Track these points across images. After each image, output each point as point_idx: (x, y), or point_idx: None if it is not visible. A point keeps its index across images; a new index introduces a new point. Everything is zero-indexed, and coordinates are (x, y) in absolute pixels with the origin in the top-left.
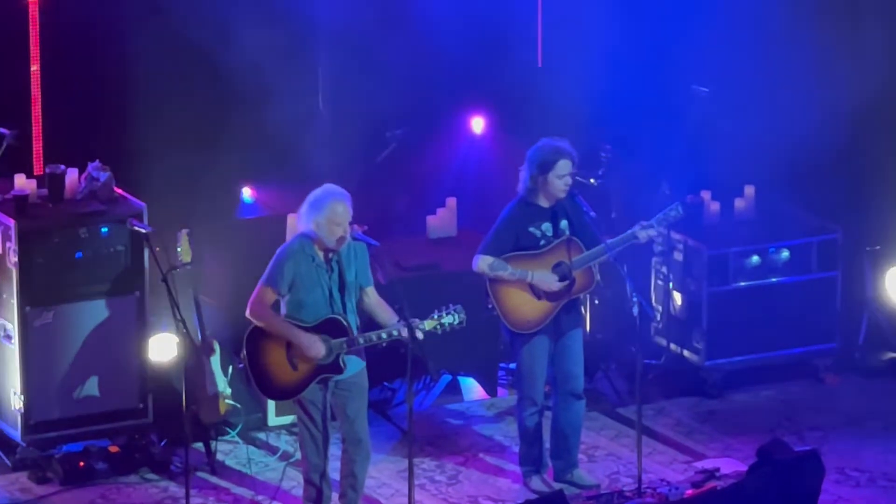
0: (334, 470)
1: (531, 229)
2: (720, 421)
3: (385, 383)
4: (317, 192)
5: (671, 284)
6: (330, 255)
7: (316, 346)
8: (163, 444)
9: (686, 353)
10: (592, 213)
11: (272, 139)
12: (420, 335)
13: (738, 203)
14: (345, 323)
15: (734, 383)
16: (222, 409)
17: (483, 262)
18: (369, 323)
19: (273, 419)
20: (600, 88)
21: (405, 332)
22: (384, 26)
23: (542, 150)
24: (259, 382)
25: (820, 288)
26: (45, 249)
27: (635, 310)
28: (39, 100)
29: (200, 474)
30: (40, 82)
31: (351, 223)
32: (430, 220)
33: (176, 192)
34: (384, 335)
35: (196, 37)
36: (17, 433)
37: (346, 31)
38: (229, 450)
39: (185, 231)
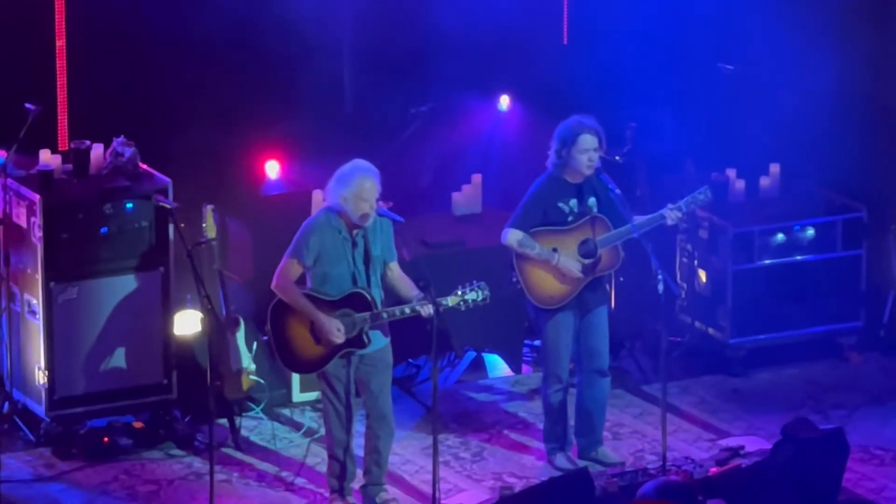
0: (358, 446)
1: (559, 204)
2: (744, 399)
3: (410, 360)
4: (345, 166)
5: (696, 262)
6: (355, 229)
7: (335, 332)
8: (187, 419)
9: (711, 330)
10: (618, 191)
11: (298, 115)
12: (441, 310)
13: (764, 181)
14: (369, 297)
15: (759, 361)
16: (246, 385)
17: (512, 237)
18: (390, 298)
19: (297, 395)
20: (625, 66)
21: (429, 309)
22: (410, 3)
23: (567, 125)
24: (282, 355)
25: (845, 266)
26: (69, 225)
27: (660, 287)
28: (65, 75)
29: (225, 450)
30: (66, 57)
31: (377, 199)
32: (456, 196)
33: (201, 167)
34: (407, 310)
35: (222, 12)
36: (41, 408)
37: (371, 6)
38: (253, 426)
39: (209, 206)
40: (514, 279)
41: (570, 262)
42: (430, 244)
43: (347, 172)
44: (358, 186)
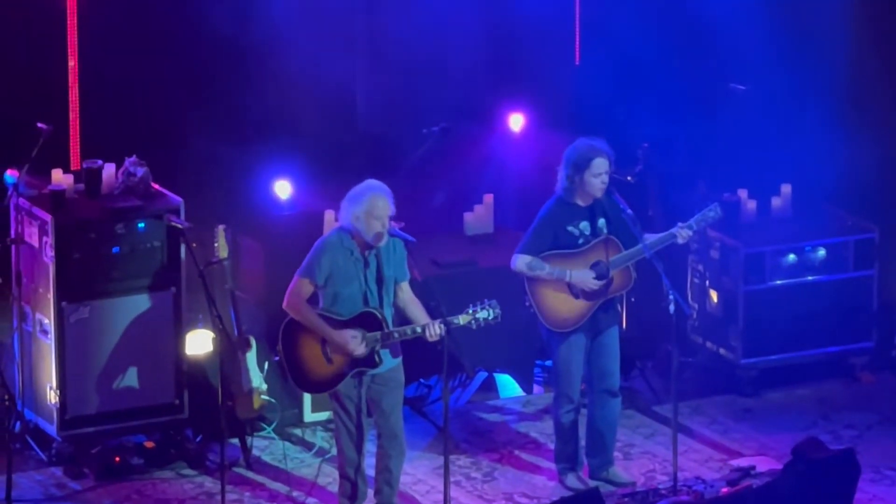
0: (370, 466)
1: (569, 228)
2: (756, 419)
3: (421, 380)
4: (358, 186)
5: (707, 282)
6: (367, 250)
7: (353, 343)
8: (198, 439)
9: (722, 351)
10: (629, 211)
11: (310, 135)
12: (452, 328)
13: (775, 201)
14: (380, 317)
15: (770, 382)
16: (258, 405)
17: (521, 262)
18: (399, 318)
19: (309, 415)
20: (637, 86)
21: (440, 329)
22: (422, 23)
23: (578, 149)
24: (294, 375)
25: (856, 286)
26: (81, 244)
27: (671, 307)
28: (77, 95)
29: (236, 470)
30: (77, 77)
31: (390, 218)
32: (467, 216)
33: (213, 187)
34: (419, 330)
35: (234, 33)
36: (52, 428)
37: (383, 27)
38: (265, 446)
39: (221, 227)
40: (527, 304)
41: (583, 274)
42: (442, 264)
43: (360, 191)
44: (370, 205)
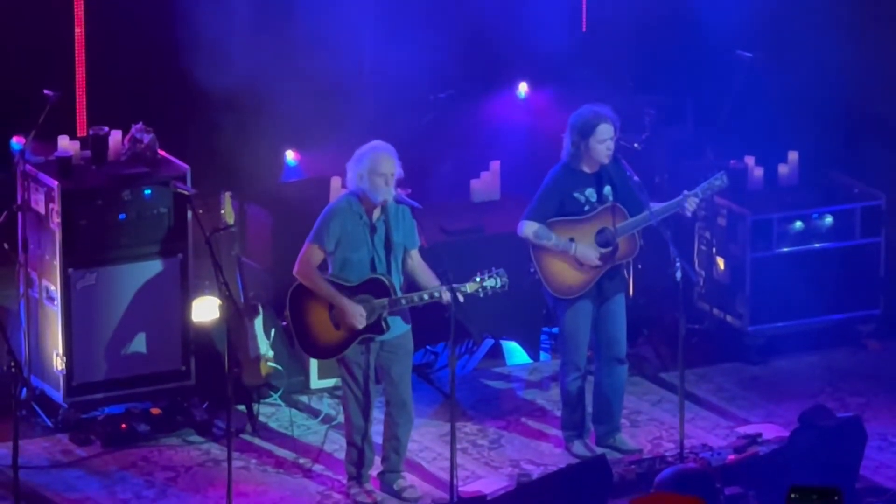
0: (377, 433)
1: (575, 195)
2: (762, 386)
3: (428, 347)
4: (363, 146)
5: (714, 249)
6: (375, 212)
7: (357, 319)
8: (205, 406)
9: (729, 318)
10: (636, 178)
11: (317, 102)
12: (461, 298)
13: (782, 169)
14: (388, 283)
15: (777, 349)
16: (264, 372)
17: (528, 229)
18: (410, 285)
19: (315, 382)
20: (644, 53)
21: (448, 295)
22: None
23: (583, 116)
24: (301, 340)
25: (863, 254)
26: (88, 211)
27: (678, 274)
28: (83, 62)
29: (243, 437)
30: (84, 44)
31: (394, 176)
32: (474, 183)
33: (219, 154)
34: (426, 297)
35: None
36: (59, 395)
37: None
38: (271, 412)
39: (228, 193)
40: (532, 270)
41: (588, 251)
42: (449, 231)
43: (363, 151)
44: (373, 162)
